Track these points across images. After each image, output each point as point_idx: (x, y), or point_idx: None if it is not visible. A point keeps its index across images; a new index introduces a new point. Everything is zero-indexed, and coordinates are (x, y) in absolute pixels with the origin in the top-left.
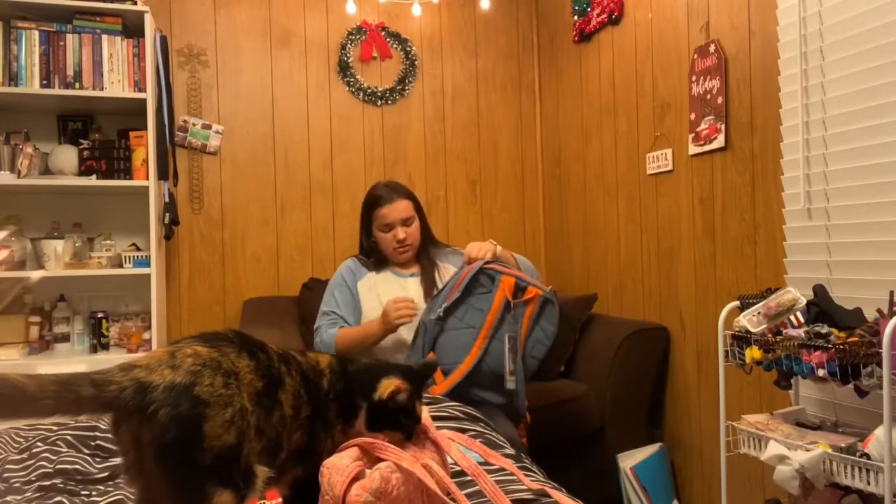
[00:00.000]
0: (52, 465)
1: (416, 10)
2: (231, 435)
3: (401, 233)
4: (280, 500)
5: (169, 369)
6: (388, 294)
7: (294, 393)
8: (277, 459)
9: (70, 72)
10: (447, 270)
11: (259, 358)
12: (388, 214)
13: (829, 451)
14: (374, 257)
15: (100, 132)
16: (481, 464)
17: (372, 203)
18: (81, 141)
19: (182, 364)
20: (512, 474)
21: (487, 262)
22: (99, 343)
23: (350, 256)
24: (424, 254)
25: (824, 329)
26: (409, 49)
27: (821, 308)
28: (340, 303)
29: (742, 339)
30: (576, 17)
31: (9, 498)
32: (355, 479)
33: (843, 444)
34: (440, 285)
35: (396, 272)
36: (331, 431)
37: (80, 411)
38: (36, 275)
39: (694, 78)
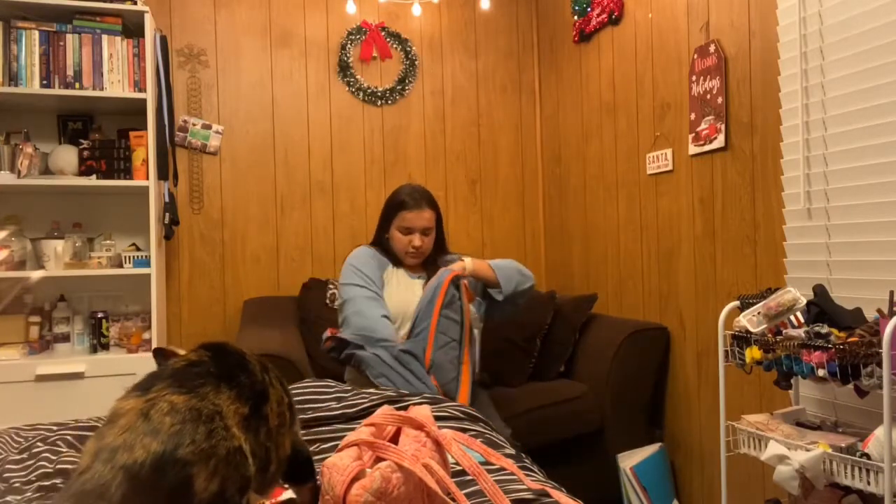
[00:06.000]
0: (52, 465)
1: (416, 10)
2: (215, 484)
3: (417, 240)
4: (281, 498)
5: (149, 437)
6: (397, 294)
7: (278, 400)
8: (268, 473)
9: (70, 72)
10: None
11: (240, 382)
12: (411, 220)
13: (829, 451)
14: (388, 255)
15: (100, 132)
16: (482, 463)
17: (398, 205)
18: (81, 141)
19: (161, 427)
20: (512, 474)
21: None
22: (99, 343)
23: (360, 245)
24: (432, 261)
25: (824, 329)
26: (409, 49)
27: (821, 308)
28: (371, 278)
29: (742, 339)
30: (576, 17)
31: (9, 498)
32: (355, 478)
33: (843, 444)
34: None
35: (409, 273)
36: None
37: None
38: (36, 275)
39: (694, 78)
